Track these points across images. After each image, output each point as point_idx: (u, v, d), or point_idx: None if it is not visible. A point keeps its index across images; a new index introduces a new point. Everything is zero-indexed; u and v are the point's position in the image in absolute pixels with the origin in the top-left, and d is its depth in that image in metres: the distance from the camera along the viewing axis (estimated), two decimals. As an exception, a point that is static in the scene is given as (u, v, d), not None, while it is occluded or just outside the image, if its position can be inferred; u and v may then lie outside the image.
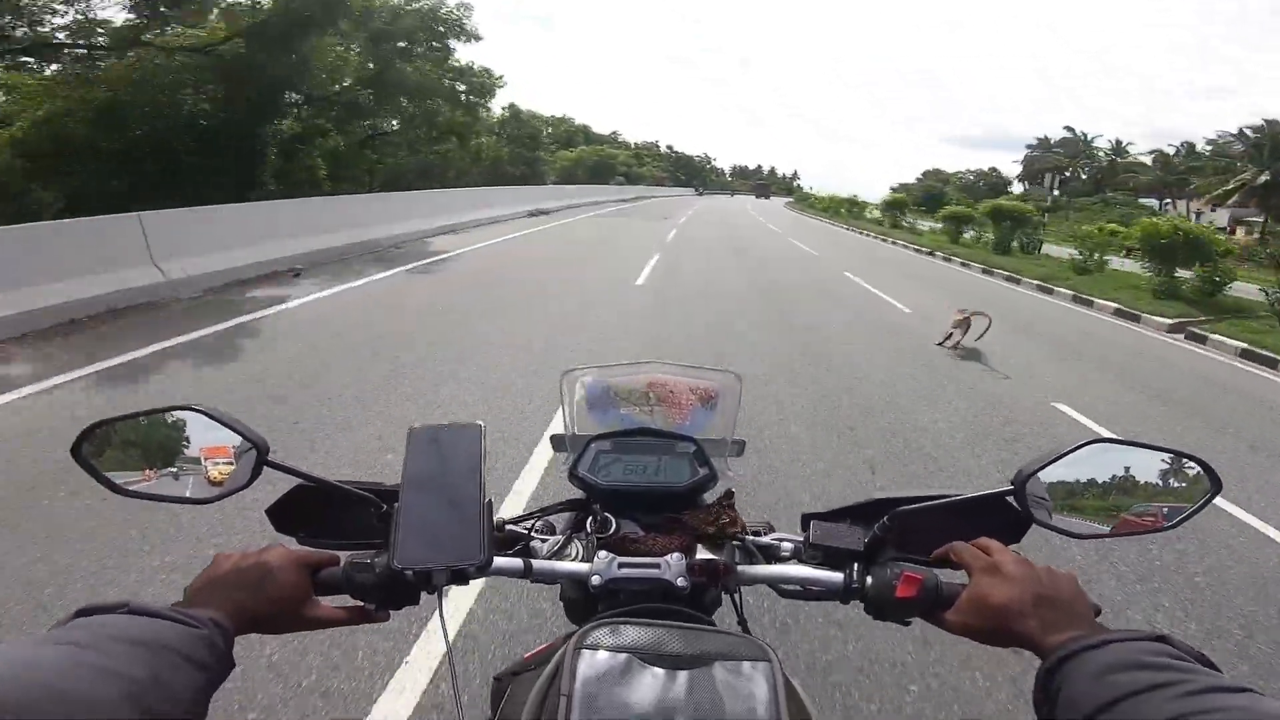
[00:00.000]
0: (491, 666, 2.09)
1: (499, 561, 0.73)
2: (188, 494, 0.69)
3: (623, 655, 0.58)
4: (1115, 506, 0.70)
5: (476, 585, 2.36)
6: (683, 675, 0.57)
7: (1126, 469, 0.70)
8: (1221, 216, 39.33)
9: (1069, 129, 68.05)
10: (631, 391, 0.97)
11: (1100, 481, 0.70)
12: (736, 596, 0.85)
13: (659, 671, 0.57)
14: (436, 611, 0.67)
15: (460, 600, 2.35)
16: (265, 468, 0.67)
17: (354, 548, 0.75)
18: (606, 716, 0.54)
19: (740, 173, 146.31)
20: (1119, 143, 63.12)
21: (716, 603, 0.83)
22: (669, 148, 78.39)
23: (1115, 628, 0.55)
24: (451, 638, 1.87)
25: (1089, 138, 64.83)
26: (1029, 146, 71.54)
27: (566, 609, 0.87)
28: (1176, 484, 0.70)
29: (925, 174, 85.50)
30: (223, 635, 0.54)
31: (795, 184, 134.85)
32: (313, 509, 0.78)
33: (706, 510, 0.83)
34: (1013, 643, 0.60)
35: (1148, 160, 58.34)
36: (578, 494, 0.91)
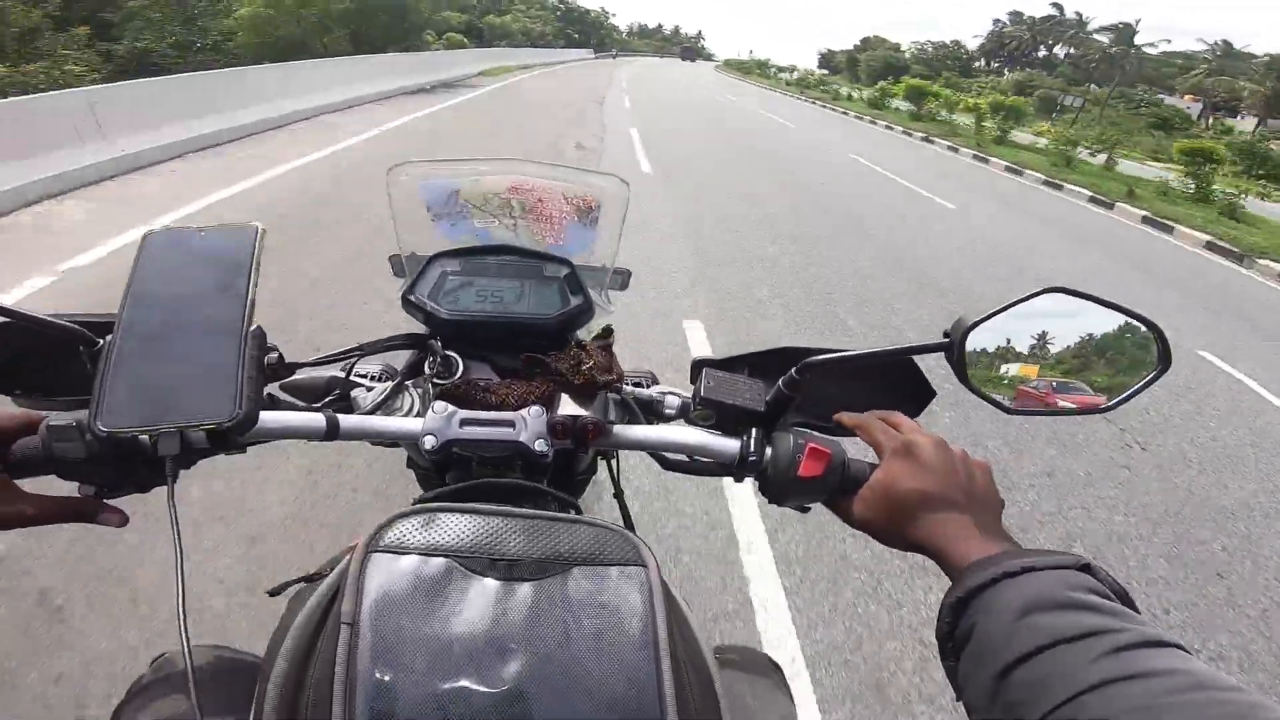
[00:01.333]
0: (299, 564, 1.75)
1: (281, 417, 0.55)
2: None
3: (437, 560, 0.43)
4: (1054, 375, 0.60)
5: (292, 451, 1.96)
6: (524, 588, 0.42)
7: (1075, 327, 0.59)
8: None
9: (1056, 5, 63.40)
10: (488, 198, 0.76)
11: (1044, 341, 0.60)
12: (613, 463, 0.73)
13: (489, 583, 0.42)
14: (167, 493, 0.46)
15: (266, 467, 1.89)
16: None
17: (70, 405, 0.54)
18: (410, 650, 0.39)
19: (641, 32, 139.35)
20: (1125, 26, 54.44)
21: (590, 470, 0.71)
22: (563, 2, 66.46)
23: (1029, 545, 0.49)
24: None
25: (1084, 19, 59.67)
26: (997, 22, 67.92)
27: (416, 473, 0.72)
28: (1125, 352, 0.61)
29: (865, 41, 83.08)
30: None
31: (700, 46, 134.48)
32: (27, 354, 0.57)
33: (577, 352, 0.66)
34: (917, 548, 0.52)
35: (1152, 52, 53.34)
36: (415, 327, 0.72)
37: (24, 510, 0.48)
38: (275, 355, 0.60)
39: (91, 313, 0.55)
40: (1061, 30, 61.09)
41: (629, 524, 0.72)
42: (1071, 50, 60.16)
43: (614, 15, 79.39)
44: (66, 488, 0.51)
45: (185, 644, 0.41)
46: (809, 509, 0.60)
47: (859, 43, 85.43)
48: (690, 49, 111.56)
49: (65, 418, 0.48)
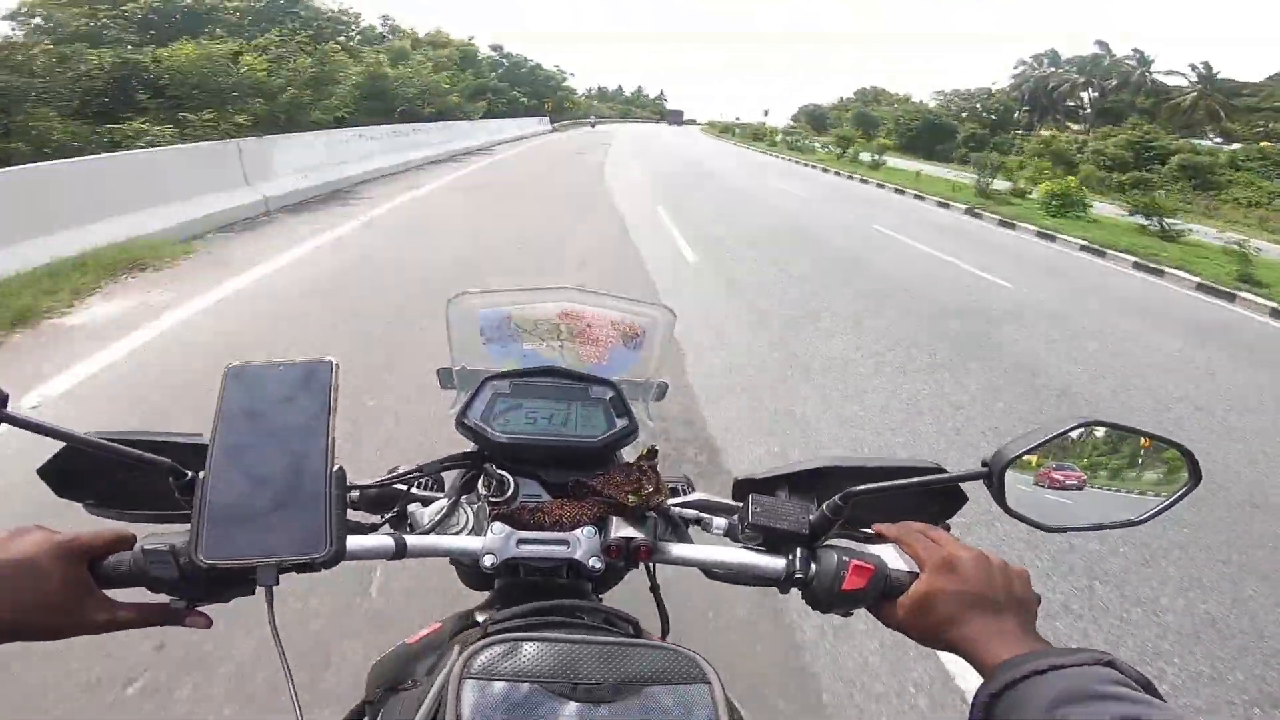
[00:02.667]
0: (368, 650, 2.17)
1: (358, 542, 0.73)
2: None
3: (524, 686, 0.58)
4: (1089, 496, 0.81)
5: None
6: (603, 710, 0.58)
7: (1107, 452, 0.82)
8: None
9: (1101, 44, 66.07)
10: (538, 323, 0.98)
11: (1076, 464, 0.81)
12: (652, 564, 0.91)
13: (573, 706, 0.58)
14: (267, 614, 0.63)
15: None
16: (1, 424, 0.61)
17: (160, 519, 0.72)
18: None
19: (601, 95, 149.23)
20: (1205, 67, 57.05)
21: (629, 568, 0.89)
22: (498, 50, 64.03)
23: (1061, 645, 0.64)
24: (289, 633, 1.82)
25: (1146, 58, 61.33)
26: (1024, 63, 70.15)
27: (459, 573, 0.91)
28: (1156, 473, 0.82)
29: (861, 94, 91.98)
30: None
31: (664, 106, 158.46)
32: (103, 468, 0.74)
33: (624, 472, 0.86)
34: (953, 650, 0.69)
35: (1168, 81, 56.59)
36: (466, 445, 0.92)
37: (116, 617, 0.65)
38: (355, 493, 0.80)
39: (178, 433, 0.74)
40: (1120, 71, 62.42)
41: (665, 619, 0.95)
42: (1112, 94, 61.86)
43: (572, 75, 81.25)
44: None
45: None
46: (852, 614, 0.78)
47: (853, 95, 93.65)
48: (677, 113, 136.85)
49: (159, 542, 0.65)
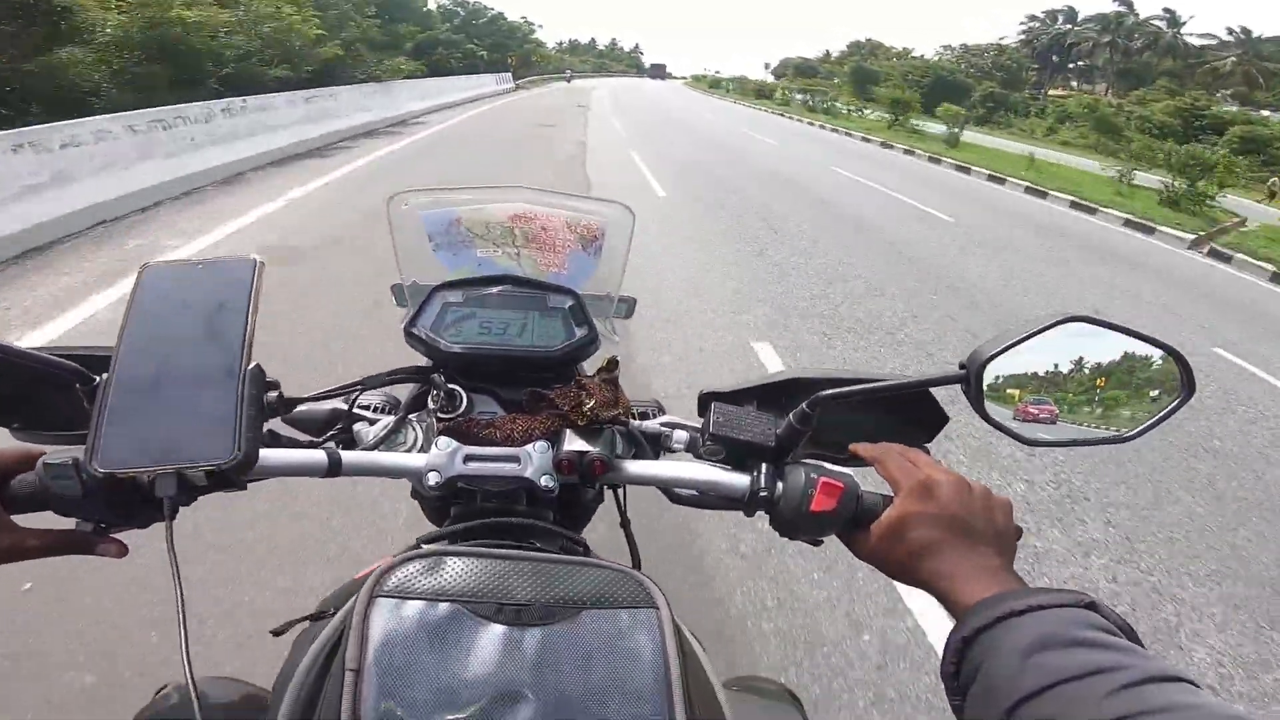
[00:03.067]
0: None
1: (283, 455, 0.73)
2: None
3: (443, 605, 0.57)
4: (1074, 404, 0.82)
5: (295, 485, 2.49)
6: (533, 633, 0.57)
7: (1094, 356, 0.81)
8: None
9: (1123, 0, 65.48)
10: (490, 227, 1.00)
11: (1063, 370, 0.81)
12: (620, 492, 0.93)
13: (497, 629, 0.57)
14: (165, 533, 0.62)
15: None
16: None
17: (67, 440, 0.73)
18: (416, 698, 0.52)
19: (573, 48, 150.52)
20: (1174, 17, 60.24)
21: (597, 500, 0.91)
22: (463, 3, 59.00)
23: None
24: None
25: (1177, 18, 61.49)
26: (1035, 18, 71.06)
27: (422, 507, 0.91)
28: (1146, 380, 0.82)
29: (855, 46, 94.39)
30: None
31: (640, 60, 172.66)
32: (24, 388, 0.75)
33: (582, 384, 0.87)
34: (926, 586, 0.70)
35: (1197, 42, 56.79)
36: (417, 359, 0.93)
37: (22, 543, 0.66)
38: (275, 393, 0.78)
39: (90, 346, 0.74)
40: (1146, 31, 62.28)
41: (635, 555, 0.94)
42: (1144, 55, 62.20)
43: (540, 26, 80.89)
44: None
45: (189, 677, 0.57)
46: (821, 542, 0.79)
47: (846, 48, 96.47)
48: (659, 67, 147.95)
49: (61, 455, 0.64)
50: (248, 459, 0.61)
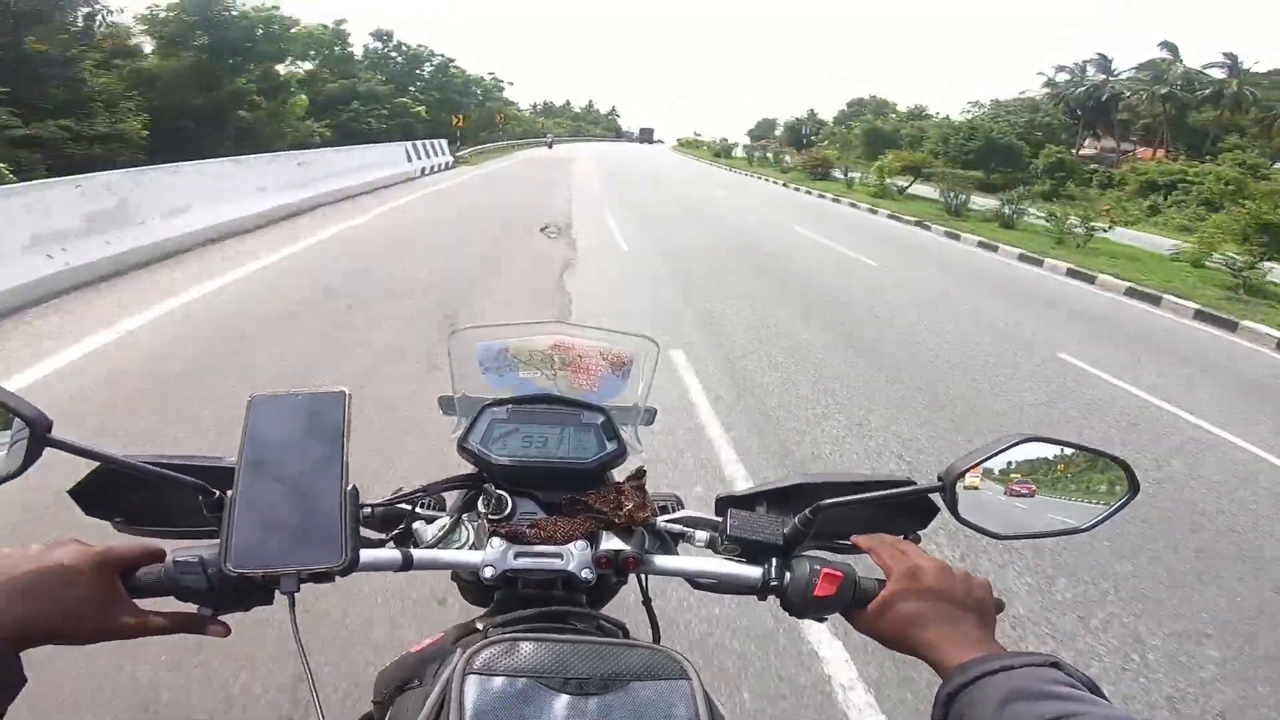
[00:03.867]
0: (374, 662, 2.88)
1: (369, 555, 0.99)
2: None
3: (521, 681, 0.81)
4: (1036, 506, 1.09)
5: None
6: (593, 702, 0.80)
7: (1051, 467, 1.10)
8: None
9: (1167, 46, 62.90)
10: (532, 354, 1.34)
11: (1024, 477, 1.09)
12: (643, 577, 1.23)
13: (565, 698, 0.80)
14: (289, 620, 0.87)
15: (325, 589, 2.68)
16: (46, 448, 0.82)
17: (185, 535, 0.99)
18: None
19: (546, 110, 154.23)
20: (1235, 64, 57.46)
21: (622, 582, 1.21)
22: (385, 40, 56.54)
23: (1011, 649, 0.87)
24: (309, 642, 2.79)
25: (1174, 60, 60.00)
26: (1063, 69, 68.60)
27: (461, 589, 1.22)
28: (1097, 484, 1.10)
29: (857, 104, 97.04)
30: None
31: (615, 122, 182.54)
32: (131, 488, 1.03)
33: (614, 491, 1.17)
34: (916, 654, 0.93)
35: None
36: (467, 468, 1.24)
37: (145, 623, 0.88)
38: (367, 510, 1.09)
39: (200, 456, 1.02)
40: (1202, 81, 59.74)
41: (655, 629, 1.26)
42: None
43: (510, 84, 77.82)
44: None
45: None
46: (826, 619, 1.06)
47: (846, 107, 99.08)
48: (648, 131, 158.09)
49: (188, 554, 0.89)
50: (353, 563, 0.86)
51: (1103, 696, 0.79)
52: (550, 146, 69.35)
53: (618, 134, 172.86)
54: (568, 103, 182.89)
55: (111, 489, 1.04)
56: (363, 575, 0.97)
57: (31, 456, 0.83)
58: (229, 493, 0.87)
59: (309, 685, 0.86)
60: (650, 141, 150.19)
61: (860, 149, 62.54)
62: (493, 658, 0.83)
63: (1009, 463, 1.08)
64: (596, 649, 0.87)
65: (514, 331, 1.38)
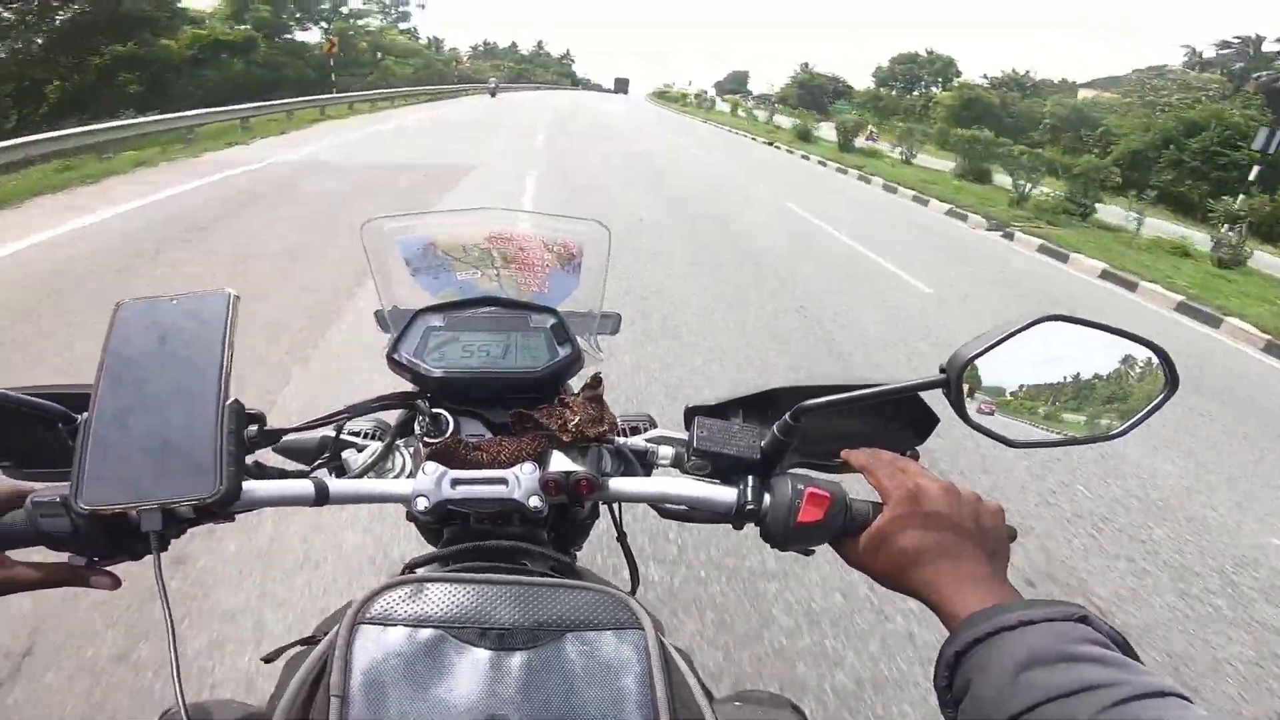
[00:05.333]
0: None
1: (268, 486, 0.88)
2: None
3: (425, 631, 0.70)
4: (1062, 404, 0.98)
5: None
6: (516, 658, 0.69)
7: (1076, 355, 0.97)
8: None
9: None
10: (467, 249, 1.19)
11: (1045, 370, 0.97)
12: (616, 508, 1.11)
13: (480, 654, 0.69)
14: (154, 566, 0.75)
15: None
16: None
17: (54, 477, 0.87)
18: None
19: (489, 51, 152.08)
20: None
21: (593, 516, 1.10)
22: None
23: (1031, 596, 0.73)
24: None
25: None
26: (1224, 44, 57.96)
27: (420, 531, 1.10)
28: (1130, 377, 0.98)
29: (905, 61, 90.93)
30: None
31: (570, 68, 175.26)
32: (10, 428, 0.90)
33: (566, 403, 1.05)
34: (917, 595, 0.82)
35: None
36: (402, 385, 1.10)
37: (15, 577, 0.80)
38: (255, 428, 0.95)
39: (70, 384, 0.89)
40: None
41: (633, 568, 1.13)
42: None
43: (421, 7, 73.52)
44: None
45: (180, 699, 0.70)
46: (813, 552, 0.94)
47: (888, 65, 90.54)
48: (623, 80, 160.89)
49: (49, 494, 0.79)
50: (229, 494, 0.75)
51: (1134, 655, 0.69)
52: (494, 94, 59.19)
53: (572, 81, 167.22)
54: (514, 45, 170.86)
55: None
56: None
57: None
58: (83, 416, 0.78)
59: (170, 645, 0.72)
60: (624, 91, 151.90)
61: (941, 124, 51.17)
62: (392, 603, 0.72)
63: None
64: (524, 590, 0.75)
65: (439, 220, 1.25)
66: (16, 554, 0.82)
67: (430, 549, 1.05)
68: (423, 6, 74.07)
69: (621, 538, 1.17)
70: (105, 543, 0.81)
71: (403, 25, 71.98)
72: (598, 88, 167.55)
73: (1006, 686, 0.65)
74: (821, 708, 2.72)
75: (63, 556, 0.83)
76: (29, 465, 0.94)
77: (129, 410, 0.77)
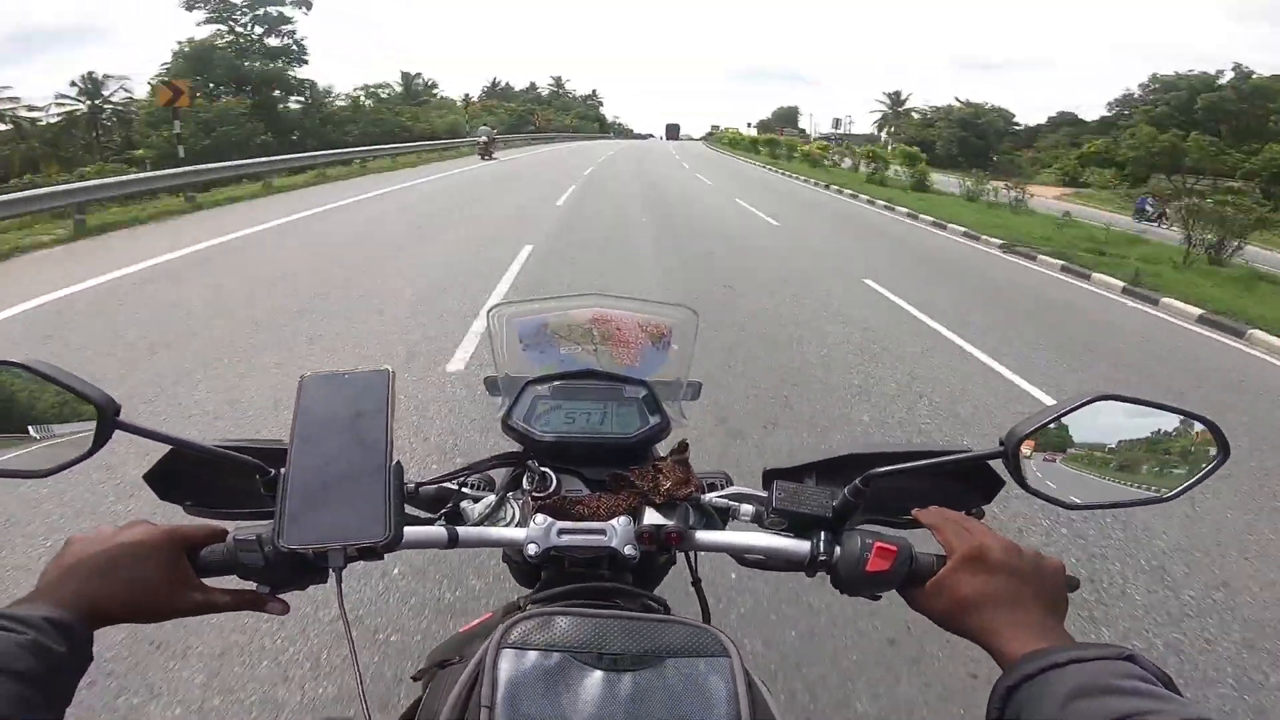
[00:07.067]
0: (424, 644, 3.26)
1: (415, 532, 1.07)
2: (21, 466, 0.99)
3: (555, 655, 0.85)
4: (1114, 472, 1.08)
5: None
6: (627, 678, 0.84)
7: (1128, 427, 1.08)
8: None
9: None
10: (573, 329, 1.40)
11: (1099, 443, 1.07)
12: (692, 556, 1.28)
13: (598, 674, 0.84)
14: (337, 595, 0.91)
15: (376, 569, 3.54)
16: (116, 430, 0.92)
17: (248, 517, 1.08)
18: None
19: (490, 91, 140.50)
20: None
21: (669, 563, 1.26)
22: None
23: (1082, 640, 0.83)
24: (356, 615, 3.54)
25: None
26: (1145, 86, 65.23)
27: (511, 570, 1.27)
28: (1182, 448, 1.07)
29: (780, 113, 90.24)
30: (65, 634, 0.79)
31: (597, 110, 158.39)
32: (199, 473, 1.13)
33: (657, 466, 1.21)
34: (975, 639, 0.92)
35: None
36: (511, 446, 1.29)
37: (214, 600, 0.97)
38: (411, 486, 1.16)
39: (259, 439, 1.10)
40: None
41: (705, 610, 1.29)
42: None
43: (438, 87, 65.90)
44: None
45: (367, 716, 0.85)
46: (880, 597, 1.07)
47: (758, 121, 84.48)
48: (675, 126, 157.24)
49: (247, 533, 0.97)
50: (396, 539, 0.91)
51: (1178, 692, 0.77)
52: (486, 155, 41.86)
53: (601, 126, 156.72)
54: (532, 85, 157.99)
55: (181, 473, 1.15)
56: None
57: (101, 439, 0.93)
58: (281, 470, 0.95)
59: (352, 660, 0.92)
60: (676, 138, 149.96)
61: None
62: (528, 632, 0.88)
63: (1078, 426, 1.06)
64: (633, 624, 0.91)
65: (552, 305, 1.47)
66: (209, 581, 1.00)
67: (521, 590, 1.25)
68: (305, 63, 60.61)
69: (696, 583, 1.35)
70: (286, 576, 1.00)
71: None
72: (633, 134, 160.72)
73: (1055, 716, 0.74)
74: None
75: (249, 585, 1.02)
76: (208, 504, 1.16)
77: (316, 466, 0.94)
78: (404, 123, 59.06)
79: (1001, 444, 1.00)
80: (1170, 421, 1.08)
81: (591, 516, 1.16)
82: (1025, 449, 1.01)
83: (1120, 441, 1.09)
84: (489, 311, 1.45)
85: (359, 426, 0.98)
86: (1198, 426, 1.06)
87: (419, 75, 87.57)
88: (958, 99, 79.77)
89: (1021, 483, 1.03)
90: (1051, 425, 1.01)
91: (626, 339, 1.43)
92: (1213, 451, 1.05)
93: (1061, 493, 1.06)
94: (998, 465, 1.06)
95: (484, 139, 42.94)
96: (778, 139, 74.42)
